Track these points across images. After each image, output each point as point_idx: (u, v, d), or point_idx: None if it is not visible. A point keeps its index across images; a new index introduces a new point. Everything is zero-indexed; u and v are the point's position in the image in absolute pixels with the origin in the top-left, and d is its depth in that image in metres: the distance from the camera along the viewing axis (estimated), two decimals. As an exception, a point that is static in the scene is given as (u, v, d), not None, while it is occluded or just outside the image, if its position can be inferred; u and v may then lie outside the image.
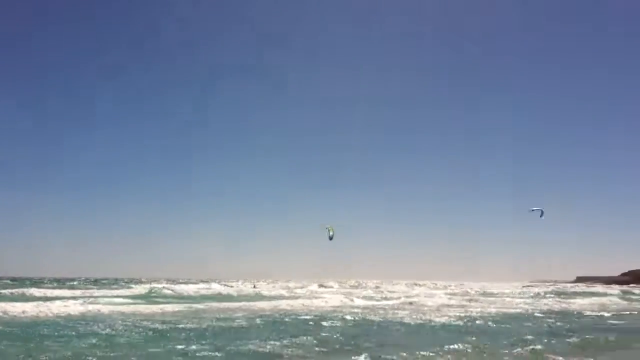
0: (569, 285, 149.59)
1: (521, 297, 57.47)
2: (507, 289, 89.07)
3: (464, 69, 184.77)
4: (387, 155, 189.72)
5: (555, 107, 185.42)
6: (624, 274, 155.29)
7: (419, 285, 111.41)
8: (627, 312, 35.77)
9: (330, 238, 29.29)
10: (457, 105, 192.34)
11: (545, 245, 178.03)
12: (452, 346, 16.99)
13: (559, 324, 27.10)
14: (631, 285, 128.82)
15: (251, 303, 38.50)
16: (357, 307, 37.53)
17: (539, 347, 17.52)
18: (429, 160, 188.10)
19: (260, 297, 49.68)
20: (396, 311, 33.73)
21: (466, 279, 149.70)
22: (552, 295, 59.72)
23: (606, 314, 33.68)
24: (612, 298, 50.19)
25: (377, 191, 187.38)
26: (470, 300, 46.74)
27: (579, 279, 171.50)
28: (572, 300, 48.39)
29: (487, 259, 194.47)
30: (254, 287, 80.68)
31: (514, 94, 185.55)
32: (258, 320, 25.60)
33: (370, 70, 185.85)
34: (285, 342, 17.86)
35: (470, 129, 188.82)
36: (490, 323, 26.39)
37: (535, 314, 33.19)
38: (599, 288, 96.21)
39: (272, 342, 17.66)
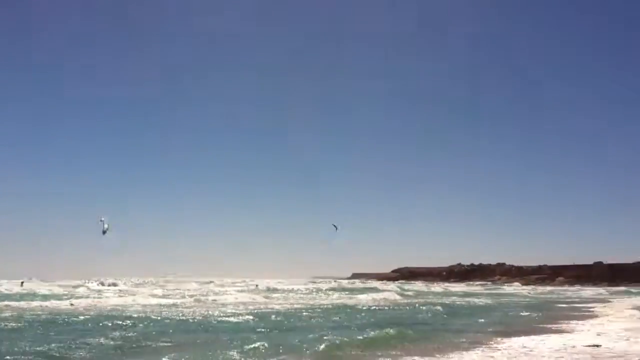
0: (345, 281, 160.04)
1: (308, 293, 59.09)
2: (292, 285, 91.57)
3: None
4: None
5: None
6: (394, 271, 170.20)
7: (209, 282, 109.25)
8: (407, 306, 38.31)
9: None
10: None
11: (323, 243, 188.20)
12: (251, 345, 16.04)
13: (350, 317, 27.76)
14: (401, 281, 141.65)
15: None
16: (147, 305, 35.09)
17: (337, 341, 17.33)
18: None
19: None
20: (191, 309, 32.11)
21: (248, 275, 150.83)
22: (338, 291, 62.39)
23: (387, 308, 35.67)
24: (389, 294, 53.71)
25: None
26: (264, 297, 46.63)
27: (355, 275, 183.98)
28: (355, 296, 50.78)
29: (267, 255, 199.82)
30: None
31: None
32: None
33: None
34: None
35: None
36: (282, 318, 26.14)
37: (328, 309, 33.90)
38: (376, 284, 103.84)
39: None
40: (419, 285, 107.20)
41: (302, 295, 53.61)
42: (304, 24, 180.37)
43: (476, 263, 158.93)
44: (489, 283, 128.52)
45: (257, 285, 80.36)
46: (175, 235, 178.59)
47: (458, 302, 44.67)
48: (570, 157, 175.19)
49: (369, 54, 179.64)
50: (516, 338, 18.94)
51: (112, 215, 28.48)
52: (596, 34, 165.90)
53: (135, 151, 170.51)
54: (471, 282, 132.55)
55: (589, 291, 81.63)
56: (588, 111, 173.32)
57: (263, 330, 21.25)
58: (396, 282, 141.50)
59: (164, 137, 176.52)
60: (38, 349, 15.18)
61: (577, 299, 53.80)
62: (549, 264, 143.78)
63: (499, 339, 18.87)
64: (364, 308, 36.14)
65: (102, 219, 26.87)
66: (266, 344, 16.02)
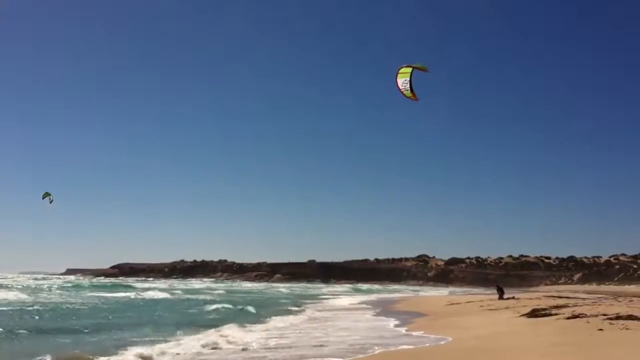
0: (60, 277, 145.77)
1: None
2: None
3: None
4: None
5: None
6: (113, 267, 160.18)
7: None
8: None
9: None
10: None
11: (33, 237, 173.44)
12: None
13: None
14: (121, 277, 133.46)
15: None
16: None
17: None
18: None
19: None
20: None
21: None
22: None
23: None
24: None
25: None
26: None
27: (70, 271, 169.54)
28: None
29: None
30: None
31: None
32: None
33: None
34: None
35: None
36: None
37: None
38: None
39: None
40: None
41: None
42: None
43: (199, 260, 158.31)
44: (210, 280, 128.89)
45: None
46: None
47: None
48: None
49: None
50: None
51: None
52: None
53: None
54: (191, 279, 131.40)
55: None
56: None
57: None
58: (112, 278, 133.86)
59: None
60: None
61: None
62: (268, 261, 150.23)
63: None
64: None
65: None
66: None
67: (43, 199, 29.34)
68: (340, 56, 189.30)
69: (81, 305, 31.27)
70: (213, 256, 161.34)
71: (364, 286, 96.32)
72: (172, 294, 48.69)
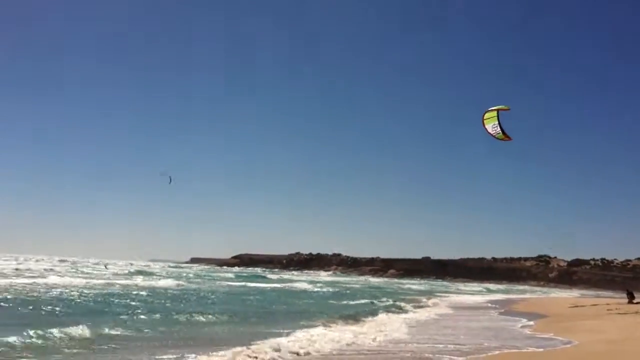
0: (185, 264, 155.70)
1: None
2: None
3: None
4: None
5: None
6: (234, 257, 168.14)
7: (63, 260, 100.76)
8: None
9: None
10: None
11: (162, 226, 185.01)
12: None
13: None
14: (241, 267, 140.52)
15: None
16: None
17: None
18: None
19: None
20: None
21: (84, 255, 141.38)
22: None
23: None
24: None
25: None
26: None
27: (194, 260, 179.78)
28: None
29: (104, 236, 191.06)
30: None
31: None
32: None
33: None
34: None
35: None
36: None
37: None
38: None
39: None
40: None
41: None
42: None
43: (314, 252, 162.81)
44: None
45: (106, 266, 76.29)
46: None
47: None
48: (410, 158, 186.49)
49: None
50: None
51: None
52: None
53: None
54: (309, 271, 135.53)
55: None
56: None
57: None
58: (235, 267, 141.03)
59: None
60: None
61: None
62: (382, 256, 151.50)
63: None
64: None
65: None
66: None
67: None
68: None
69: (249, 293, 35.15)
70: (327, 249, 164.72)
71: (491, 286, 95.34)
72: (314, 284, 52.19)
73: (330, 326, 18.16)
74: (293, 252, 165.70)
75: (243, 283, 49.98)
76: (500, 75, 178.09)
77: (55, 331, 13.59)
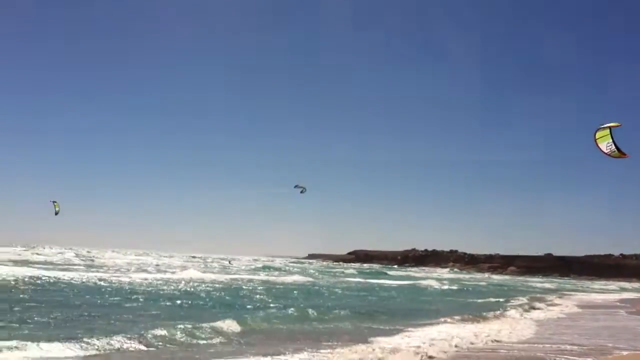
0: (304, 260, 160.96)
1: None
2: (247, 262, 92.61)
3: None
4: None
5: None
6: (350, 253, 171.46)
7: (194, 257, 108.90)
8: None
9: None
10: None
11: (279, 223, 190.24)
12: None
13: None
14: (357, 263, 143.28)
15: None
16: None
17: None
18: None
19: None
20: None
21: (216, 252, 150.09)
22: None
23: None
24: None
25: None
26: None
27: (311, 256, 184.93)
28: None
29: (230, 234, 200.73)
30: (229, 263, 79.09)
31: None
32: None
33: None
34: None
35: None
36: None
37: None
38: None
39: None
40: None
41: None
42: None
43: (430, 249, 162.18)
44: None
45: (229, 262, 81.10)
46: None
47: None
48: (530, 149, 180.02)
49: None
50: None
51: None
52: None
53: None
54: (430, 268, 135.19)
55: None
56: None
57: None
58: (351, 263, 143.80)
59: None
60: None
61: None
62: (500, 253, 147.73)
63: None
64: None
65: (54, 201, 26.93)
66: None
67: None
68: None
69: (375, 289, 37.16)
70: (444, 246, 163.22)
71: (624, 284, 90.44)
72: (440, 282, 53.10)
73: (456, 323, 19.00)
74: (408, 248, 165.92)
75: (367, 280, 51.73)
76: None
77: (205, 325, 14.78)
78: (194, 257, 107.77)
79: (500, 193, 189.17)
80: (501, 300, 33.14)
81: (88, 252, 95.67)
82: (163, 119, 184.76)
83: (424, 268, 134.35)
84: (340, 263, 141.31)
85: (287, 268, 70.29)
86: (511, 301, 32.16)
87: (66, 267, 43.56)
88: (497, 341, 15.80)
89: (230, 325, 15.18)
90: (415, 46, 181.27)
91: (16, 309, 16.68)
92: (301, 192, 32.38)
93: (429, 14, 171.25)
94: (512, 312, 24.27)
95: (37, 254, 67.89)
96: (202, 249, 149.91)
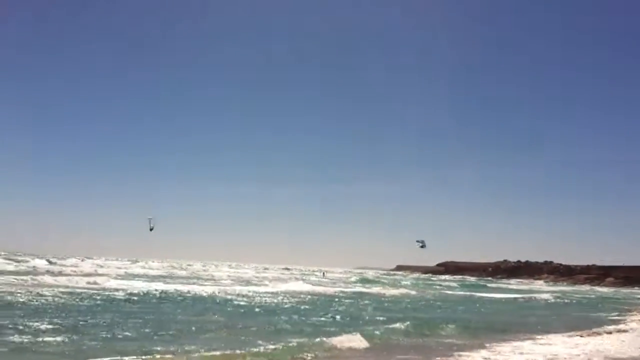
0: (391, 271, 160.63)
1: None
2: (340, 274, 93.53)
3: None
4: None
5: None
6: (439, 265, 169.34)
7: (287, 269, 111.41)
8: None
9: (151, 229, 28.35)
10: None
11: (368, 235, 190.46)
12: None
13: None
14: (447, 275, 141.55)
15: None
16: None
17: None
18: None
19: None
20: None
21: (303, 264, 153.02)
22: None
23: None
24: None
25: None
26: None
27: (399, 267, 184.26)
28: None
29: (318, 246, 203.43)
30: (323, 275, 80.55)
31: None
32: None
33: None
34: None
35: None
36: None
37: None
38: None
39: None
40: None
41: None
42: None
43: (522, 260, 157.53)
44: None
45: (323, 274, 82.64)
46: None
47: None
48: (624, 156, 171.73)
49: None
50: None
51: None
52: None
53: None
54: (525, 280, 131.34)
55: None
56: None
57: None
58: (441, 275, 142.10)
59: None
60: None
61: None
62: (598, 263, 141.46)
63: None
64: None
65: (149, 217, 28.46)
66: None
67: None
68: None
69: (483, 302, 37.43)
70: (537, 257, 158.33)
71: None
72: (546, 295, 52.13)
73: (576, 338, 18.71)
74: (499, 259, 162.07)
75: (471, 292, 51.31)
76: None
77: (335, 340, 15.14)
78: (287, 269, 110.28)
79: (597, 201, 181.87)
80: (614, 314, 32.24)
81: (189, 265, 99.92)
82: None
83: (519, 280, 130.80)
84: (430, 275, 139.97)
85: (383, 280, 70.89)
86: (628, 314, 31.36)
87: (193, 280, 46.24)
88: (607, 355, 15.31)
89: (355, 339, 15.68)
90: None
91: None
92: (421, 246, 33.18)
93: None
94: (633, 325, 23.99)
95: (182, 268, 72.55)
96: (290, 261, 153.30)
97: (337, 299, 32.75)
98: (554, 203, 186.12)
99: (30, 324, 15.41)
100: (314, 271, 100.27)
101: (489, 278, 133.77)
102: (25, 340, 13.21)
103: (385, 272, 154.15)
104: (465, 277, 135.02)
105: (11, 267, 48.76)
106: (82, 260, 78.99)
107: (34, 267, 50.66)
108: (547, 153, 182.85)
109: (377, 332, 17.64)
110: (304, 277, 66.06)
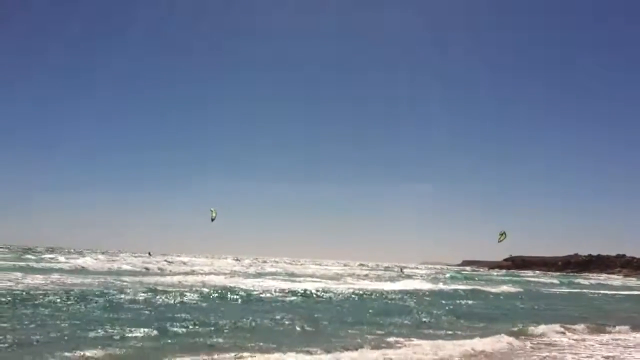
0: (456, 267, 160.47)
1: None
2: (421, 270, 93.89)
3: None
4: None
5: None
6: (506, 259, 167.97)
7: (363, 265, 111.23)
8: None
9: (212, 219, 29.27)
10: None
11: (433, 229, 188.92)
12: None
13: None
14: (514, 270, 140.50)
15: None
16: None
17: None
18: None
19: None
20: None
21: (365, 259, 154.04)
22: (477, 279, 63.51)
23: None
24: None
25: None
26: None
27: (465, 262, 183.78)
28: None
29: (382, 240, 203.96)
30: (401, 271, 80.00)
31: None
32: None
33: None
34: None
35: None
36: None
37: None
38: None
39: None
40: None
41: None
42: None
43: (594, 254, 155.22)
44: None
45: (401, 270, 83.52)
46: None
47: None
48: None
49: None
50: None
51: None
52: None
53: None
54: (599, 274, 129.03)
55: None
56: None
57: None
58: (511, 270, 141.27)
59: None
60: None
61: None
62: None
63: None
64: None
65: (212, 209, 29.49)
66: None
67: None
68: None
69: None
70: (610, 250, 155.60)
71: None
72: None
73: None
74: (570, 253, 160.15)
75: (581, 290, 49.37)
76: None
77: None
78: (363, 265, 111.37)
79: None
80: None
81: (275, 261, 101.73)
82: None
83: (588, 275, 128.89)
84: (496, 269, 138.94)
85: (458, 276, 70.40)
86: None
87: (308, 278, 45.34)
88: None
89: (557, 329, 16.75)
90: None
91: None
92: (500, 240, 32.66)
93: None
94: None
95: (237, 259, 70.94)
96: (361, 257, 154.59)
97: (483, 295, 33.32)
98: (621, 195, 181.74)
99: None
100: (387, 267, 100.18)
101: (561, 273, 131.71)
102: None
103: (454, 267, 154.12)
104: (544, 272, 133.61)
105: (127, 266, 47.55)
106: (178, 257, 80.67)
107: (146, 268, 47.83)
108: (618, 143, 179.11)
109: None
110: (390, 275, 64.98)
